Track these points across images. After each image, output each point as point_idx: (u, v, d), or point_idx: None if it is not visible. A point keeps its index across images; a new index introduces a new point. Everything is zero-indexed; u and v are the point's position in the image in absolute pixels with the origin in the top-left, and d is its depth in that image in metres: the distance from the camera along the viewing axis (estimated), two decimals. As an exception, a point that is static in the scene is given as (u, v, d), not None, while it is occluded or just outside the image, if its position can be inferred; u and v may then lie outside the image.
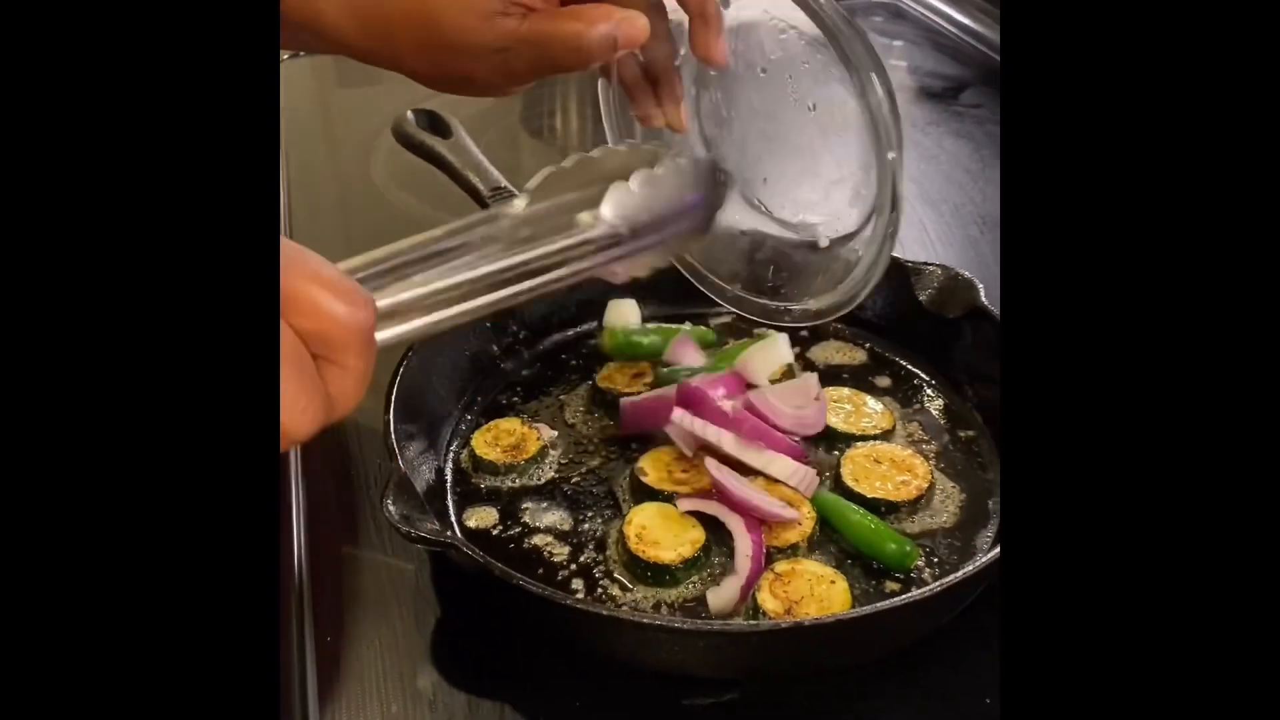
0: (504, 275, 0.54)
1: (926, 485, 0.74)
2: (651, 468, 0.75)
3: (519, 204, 0.55)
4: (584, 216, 0.56)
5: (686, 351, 0.84)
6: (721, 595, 0.66)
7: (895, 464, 0.76)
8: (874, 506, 0.73)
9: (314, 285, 0.43)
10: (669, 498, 0.72)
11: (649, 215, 0.57)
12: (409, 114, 0.99)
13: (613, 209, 0.56)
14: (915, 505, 0.74)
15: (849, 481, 0.74)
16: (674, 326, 0.89)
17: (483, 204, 0.93)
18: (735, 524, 0.69)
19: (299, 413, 0.43)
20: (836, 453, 0.78)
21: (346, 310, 0.44)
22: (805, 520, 0.71)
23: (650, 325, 0.90)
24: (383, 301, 0.49)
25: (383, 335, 0.49)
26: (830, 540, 0.72)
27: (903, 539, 0.70)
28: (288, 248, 0.44)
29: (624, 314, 0.90)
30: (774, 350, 0.83)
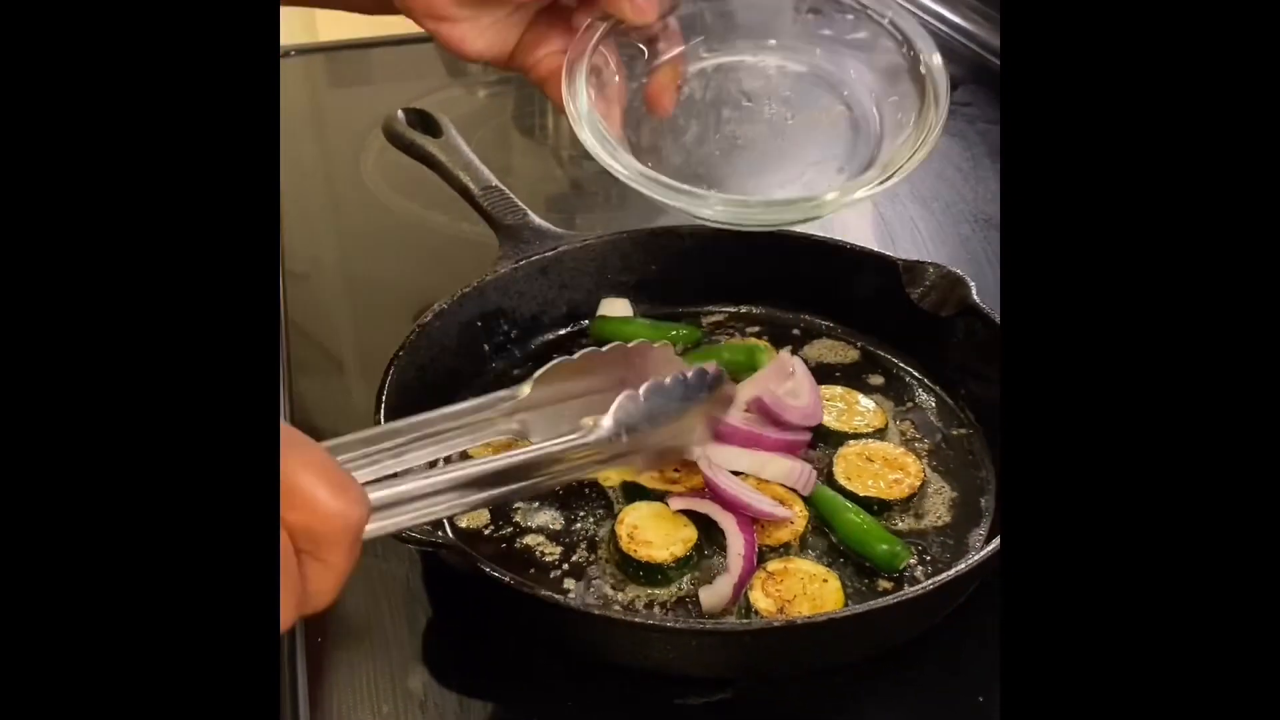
0: (497, 472, 0.55)
1: (919, 483, 0.74)
2: (644, 467, 0.75)
3: (524, 390, 0.58)
4: (586, 421, 0.57)
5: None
6: (714, 593, 0.66)
7: (888, 462, 0.76)
8: (866, 505, 0.73)
9: (311, 476, 0.42)
10: (661, 497, 0.72)
11: (650, 425, 0.59)
12: (399, 113, 0.99)
13: (615, 417, 0.57)
14: (908, 504, 0.74)
15: (841, 480, 0.74)
16: (666, 324, 0.89)
17: (474, 203, 0.92)
18: (728, 523, 0.69)
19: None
20: (829, 451, 0.78)
21: (341, 508, 0.43)
22: (798, 519, 0.71)
23: (642, 320, 0.90)
24: (375, 494, 0.49)
25: (370, 528, 0.48)
26: (824, 538, 0.72)
27: (895, 540, 0.69)
28: (287, 433, 0.42)
29: (617, 312, 0.90)
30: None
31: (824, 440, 0.79)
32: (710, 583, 0.67)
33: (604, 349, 0.66)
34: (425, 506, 0.53)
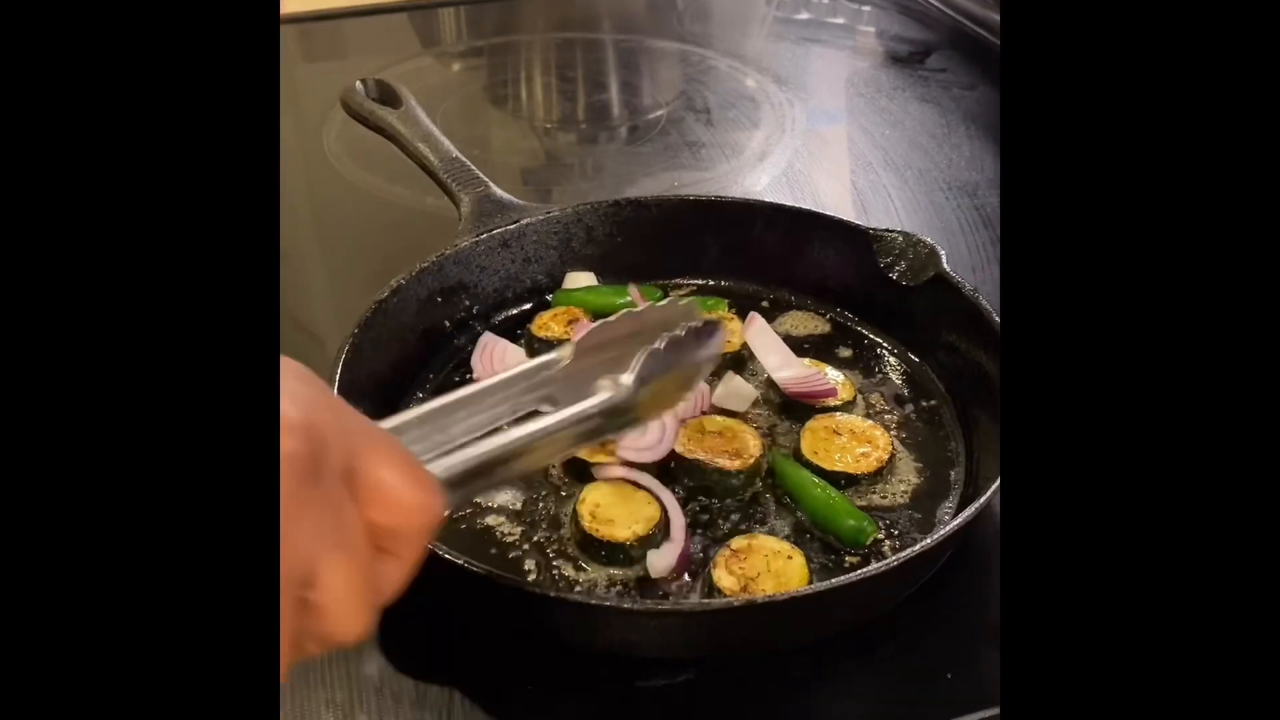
0: (541, 436, 0.54)
1: (887, 456, 0.73)
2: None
3: (565, 353, 0.58)
4: (604, 382, 0.58)
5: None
6: (661, 558, 0.66)
7: (855, 435, 0.74)
8: (834, 479, 0.71)
9: (394, 473, 0.41)
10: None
11: (665, 371, 0.60)
12: (358, 84, 0.96)
13: (636, 373, 0.58)
14: (876, 477, 0.72)
15: (808, 454, 0.73)
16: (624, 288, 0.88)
17: (433, 175, 0.90)
18: (667, 497, 0.69)
19: (354, 617, 0.40)
20: (795, 425, 0.76)
21: (424, 502, 0.42)
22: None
23: (606, 288, 0.88)
24: (441, 472, 0.48)
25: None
26: (790, 515, 0.70)
27: (861, 515, 0.68)
28: (367, 427, 0.41)
29: (581, 284, 0.89)
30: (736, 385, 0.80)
31: (789, 413, 0.77)
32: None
33: (639, 309, 0.65)
34: (484, 480, 0.52)
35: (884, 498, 0.72)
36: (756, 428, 0.76)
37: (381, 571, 0.41)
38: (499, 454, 0.51)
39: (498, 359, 0.81)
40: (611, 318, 0.63)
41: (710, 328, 0.65)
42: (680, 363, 0.62)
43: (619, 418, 0.59)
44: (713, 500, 0.72)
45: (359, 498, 0.40)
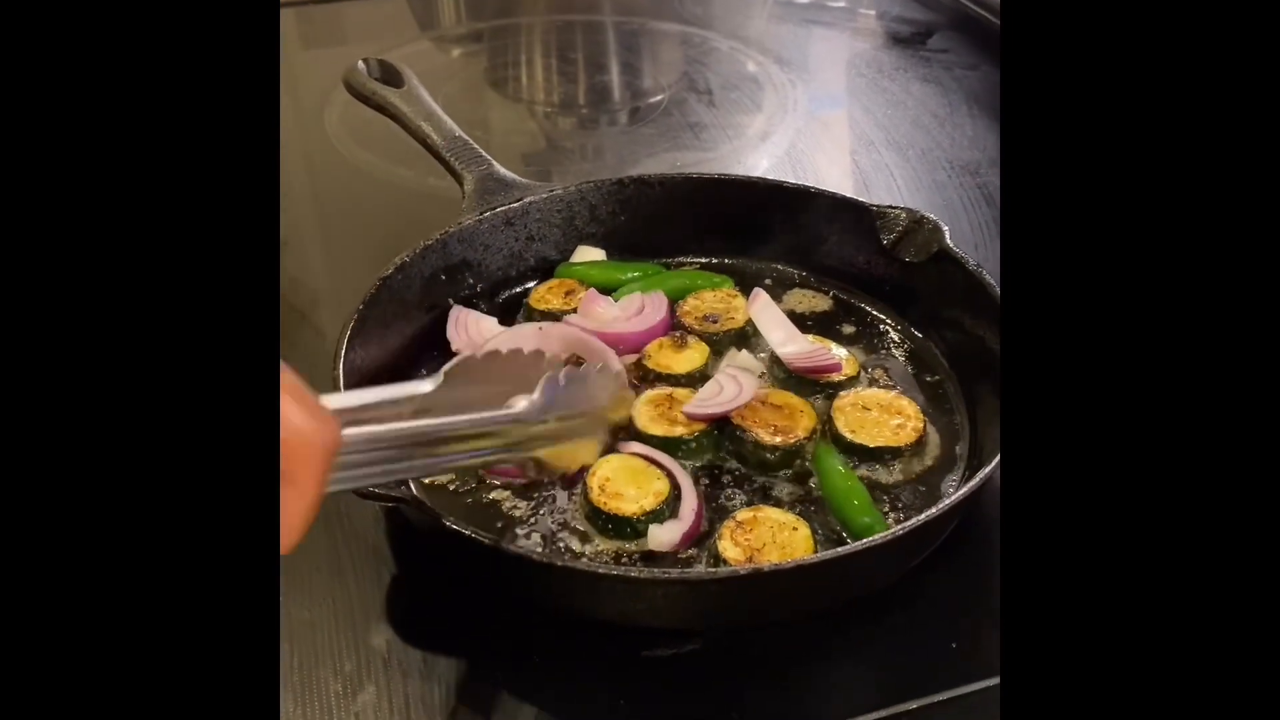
0: (443, 432, 0.55)
1: (922, 424, 0.73)
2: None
3: (435, 380, 0.57)
4: (518, 399, 0.60)
5: (594, 306, 0.83)
6: (663, 532, 0.66)
7: (885, 408, 0.74)
8: (878, 455, 0.71)
9: (290, 402, 0.42)
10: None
11: (566, 406, 0.62)
12: (360, 63, 0.96)
13: (541, 394, 0.60)
14: (919, 446, 0.73)
15: (846, 434, 0.72)
16: (631, 264, 0.88)
17: (436, 154, 0.90)
18: (684, 479, 0.69)
19: None
20: (824, 403, 0.76)
21: (314, 426, 0.42)
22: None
23: (609, 263, 0.89)
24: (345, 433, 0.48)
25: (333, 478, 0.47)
26: (799, 486, 0.71)
27: (879, 518, 0.68)
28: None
29: (590, 258, 0.89)
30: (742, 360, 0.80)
31: (796, 389, 0.77)
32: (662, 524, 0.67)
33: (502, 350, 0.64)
34: (381, 462, 0.52)
35: (890, 473, 0.72)
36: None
37: (284, 498, 0.42)
38: (396, 399, 0.53)
39: (472, 329, 0.81)
40: (478, 354, 0.62)
41: (605, 370, 0.67)
42: (577, 401, 0.63)
43: (522, 438, 0.60)
44: (747, 470, 0.72)
45: None
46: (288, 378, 0.43)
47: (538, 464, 0.62)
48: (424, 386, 0.55)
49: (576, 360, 0.77)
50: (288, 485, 0.42)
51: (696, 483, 0.70)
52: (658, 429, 0.72)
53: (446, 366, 0.57)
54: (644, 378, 0.78)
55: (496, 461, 0.62)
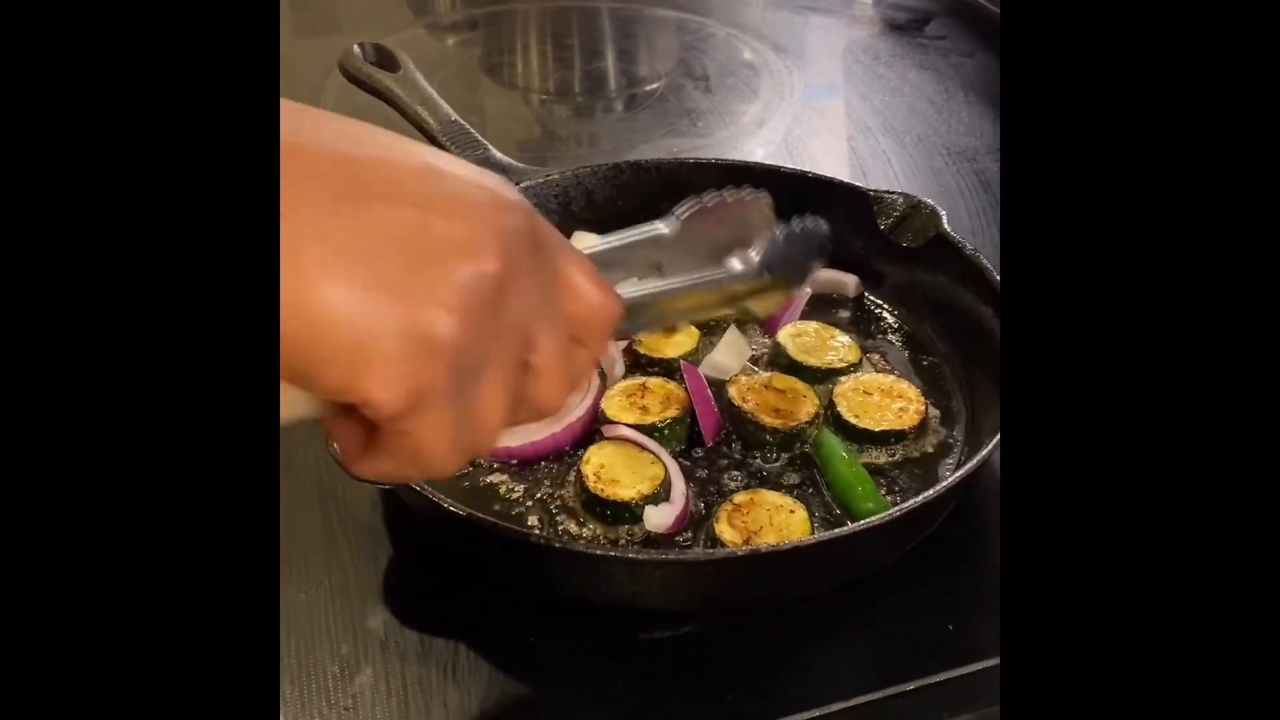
0: (671, 294, 0.57)
1: (924, 407, 0.73)
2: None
3: (672, 225, 0.57)
4: (734, 259, 0.59)
5: None
6: (657, 514, 0.66)
7: (885, 392, 0.74)
8: (882, 439, 0.72)
9: (582, 274, 0.45)
10: None
11: (783, 263, 0.61)
12: (355, 48, 0.96)
13: (760, 254, 0.59)
14: (922, 429, 0.73)
15: (850, 419, 0.72)
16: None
17: (432, 139, 0.90)
18: (669, 461, 0.69)
19: (559, 386, 0.45)
20: (825, 388, 0.76)
21: (606, 300, 0.46)
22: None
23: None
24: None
25: None
26: (797, 470, 0.71)
27: (883, 502, 0.67)
28: (558, 237, 0.45)
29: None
30: (736, 346, 0.79)
31: (798, 374, 0.77)
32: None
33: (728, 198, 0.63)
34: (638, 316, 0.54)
35: (889, 456, 0.72)
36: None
37: (575, 355, 0.46)
38: (651, 297, 0.55)
39: None
40: (705, 198, 0.59)
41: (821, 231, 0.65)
42: (791, 258, 0.62)
43: (743, 293, 0.60)
44: (749, 454, 0.72)
45: (556, 291, 0.45)
46: (579, 255, 0.47)
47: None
48: (662, 228, 0.56)
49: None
50: (580, 348, 0.46)
51: (687, 474, 0.70)
52: (629, 417, 0.72)
53: (680, 210, 0.57)
54: (635, 363, 0.78)
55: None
